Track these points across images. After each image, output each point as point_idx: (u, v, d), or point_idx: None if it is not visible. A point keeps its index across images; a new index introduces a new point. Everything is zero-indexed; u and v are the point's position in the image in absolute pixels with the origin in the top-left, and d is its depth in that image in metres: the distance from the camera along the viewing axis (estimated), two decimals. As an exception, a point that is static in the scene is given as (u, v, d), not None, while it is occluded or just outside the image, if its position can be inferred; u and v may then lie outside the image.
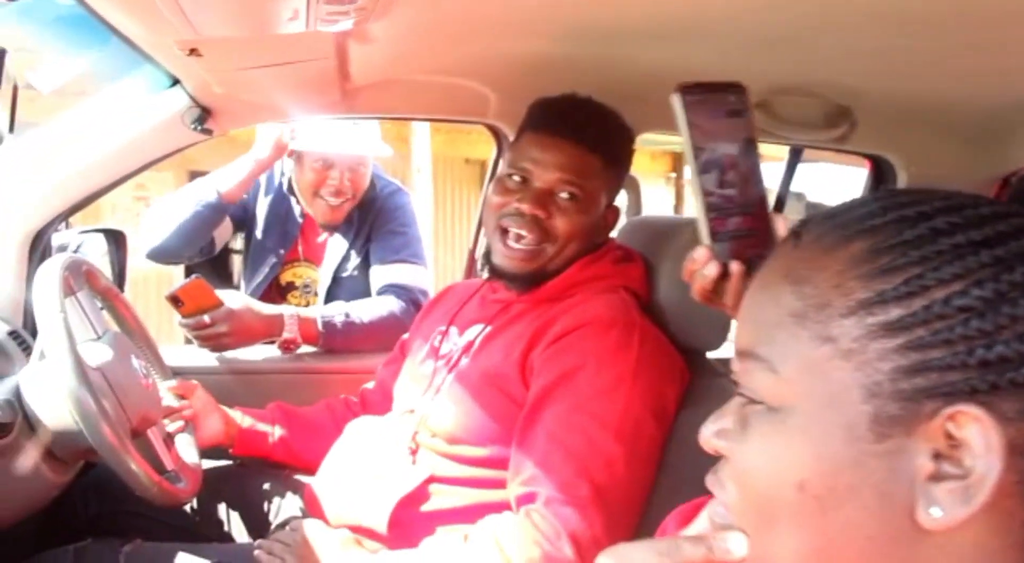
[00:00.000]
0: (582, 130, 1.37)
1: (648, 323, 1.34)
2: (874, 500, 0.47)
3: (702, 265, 0.78)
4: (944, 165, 2.00)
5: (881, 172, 2.11)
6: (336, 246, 2.21)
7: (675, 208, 9.74)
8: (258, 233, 2.25)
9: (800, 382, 0.50)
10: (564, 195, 1.36)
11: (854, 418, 0.48)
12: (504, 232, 1.38)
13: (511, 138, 1.86)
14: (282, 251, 2.24)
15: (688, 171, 0.75)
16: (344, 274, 2.19)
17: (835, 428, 0.48)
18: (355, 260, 2.19)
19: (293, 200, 2.24)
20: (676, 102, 0.74)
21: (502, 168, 1.46)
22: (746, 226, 0.77)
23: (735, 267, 0.77)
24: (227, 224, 2.19)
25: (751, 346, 0.53)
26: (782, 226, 0.78)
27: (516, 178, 1.39)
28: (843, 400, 0.48)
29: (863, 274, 0.49)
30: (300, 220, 2.24)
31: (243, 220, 2.27)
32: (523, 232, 1.36)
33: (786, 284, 0.52)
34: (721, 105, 0.76)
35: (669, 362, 1.33)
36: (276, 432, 1.61)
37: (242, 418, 1.60)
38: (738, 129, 0.76)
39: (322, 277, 2.21)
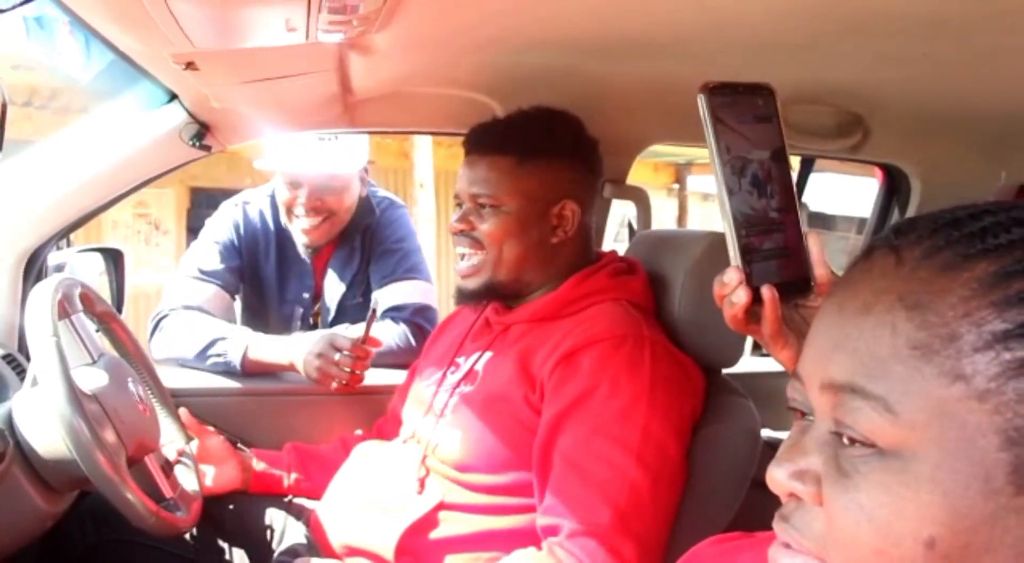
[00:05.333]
0: (486, 139, 1.41)
1: (658, 335, 1.31)
2: (1012, 561, 0.42)
3: (732, 289, 0.70)
4: (959, 173, 1.96)
5: (894, 182, 2.08)
6: (339, 274, 2.12)
7: (678, 220, 9.71)
8: (273, 293, 2.13)
9: (926, 426, 0.44)
10: (482, 205, 1.38)
11: (991, 468, 0.42)
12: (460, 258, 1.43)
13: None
14: (306, 295, 2.13)
15: (715, 182, 0.68)
16: (351, 302, 2.11)
17: (970, 479, 0.42)
18: (359, 287, 2.11)
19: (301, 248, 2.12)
20: (702, 103, 0.68)
21: None
22: (780, 245, 0.70)
23: (767, 293, 0.70)
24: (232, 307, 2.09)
25: (853, 380, 0.46)
26: (816, 246, 0.72)
27: (457, 207, 1.43)
28: (978, 447, 0.42)
29: (997, 301, 0.43)
30: (309, 263, 2.13)
31: (247, 281, 2.13)
32: (459, 249, 1.41)
33: (900, 309, 0.45)
34: (749, 109, 0.69)
35: (683, 374, 1.29)
36: (292, 475, 1.59)
37: (256, 462, 1.58)
38: (768, 135, 0.70)
39: (326, 306, 2.13)
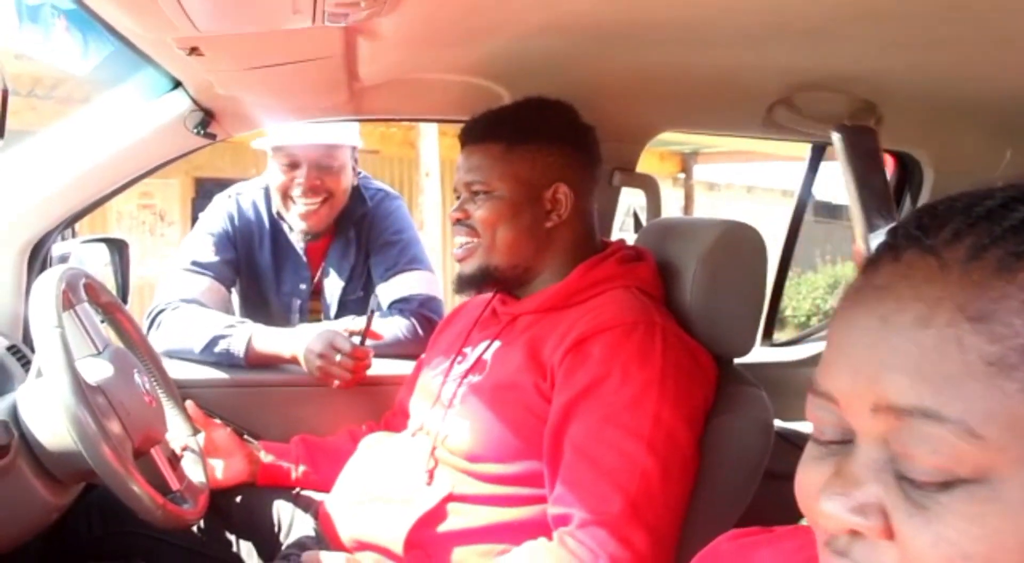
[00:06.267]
0: (476, 129, 1.43)
1: (669, 321, 1.29)
2: None
3: None
4: (973, 162, 1.94)
5: (907, 170, 2.05)
6: (337, 268, 2.11)
7: (684, 209, 9.68)
8: (270, 285, 2.11)
9: (1015, 446, 0.40)
10: (475, 192, 1.40)
11: None
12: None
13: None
14: (303, 286, 2.11)
15: (854, 215, 0.70)
16: (351, 297, 2.10)
17: None
18: (358, 281, 2.10)
19: (296, 236, 2.10)
20: (838, 141, 0.69)
21: None
22: None
23: None
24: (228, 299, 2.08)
25: (921, 403, 0.41)
26: None
27: (457, 197, 1.45)
28: None
29: None
30: (303, 255, 2.11)
31: (243, 273, 2.11)
32: (457, 238, 1.44)
33: (963, 321, 0.41)
34: (865, 143, 0.72)
35: (695, 363, 1.27)
36: (300, 468, 1.58)
37: (264, 454, 1.58)
38: (880, 167, 0.72)
39: (327, 302, 2.11)
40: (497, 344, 1.38)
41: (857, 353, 0.45)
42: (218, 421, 1.59)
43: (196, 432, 1.46)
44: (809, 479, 0.47)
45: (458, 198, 1.43)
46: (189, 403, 1.51)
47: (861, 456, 0.44)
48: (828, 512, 0.44)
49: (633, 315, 1.26)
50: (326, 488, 1.50)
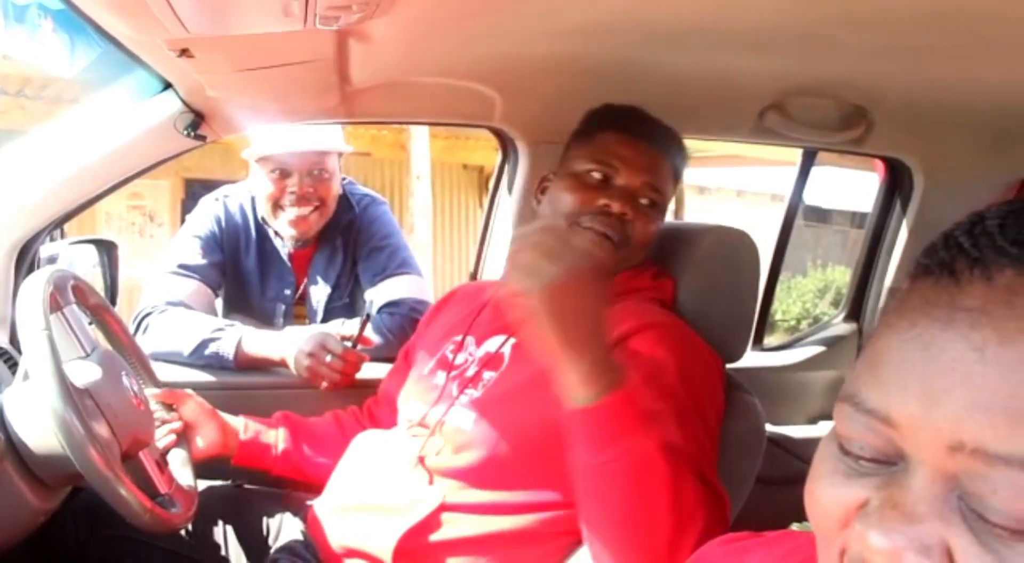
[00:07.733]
0: (661, 139, 1.37)
1: (691, 330, 1.29)
2: None
3: None
4: (963, 168, 1.95)
5: (897, 176, 2.06)
6: (323, 275, 2.10)
7: (675, 213, 9.69)
8: (254, 289, 2.11)
9: None
10: (645, 200, 1.33)
11: None
12: (583, 231, 1.30)
13: (517, 142, 1.80)
14: (287, 292, 2.11)
15: None
16: (337, 304, 2.10)
17: None
18: (345, 288, 2.10)
19: (281, 242, 2.10)
20: None
21: (574, 164, 1.37)
22: None
23: None
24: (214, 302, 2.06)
25: (1019, 452, 0.36)
26: None
27: (597, 175, 1.34)
28: None
29: None
30: (288, 261, 2.11)
31: (228, 277, 2.10)
32: (610, 232, 1.30)
33: None
34: None
35: (717, 366, 1.28)
36: (280, 446, 1.53)
37: (244, 429, 1.52)
38: None
39: (312, 308, 2.11)
40: (514, 340, 1.32)
41: (938, 382, 0.38)
42: (189, 391, 1.51)
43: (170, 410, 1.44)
44: (836, 497, 0.42)
45: (599, 176, 1.34)
46: (154, 390, 1.45)
47: (919, 487, 0.39)
48: (882, 547, 0.38)
49: (663, 317, 1.27)
50: (304, 474, 1.48)
